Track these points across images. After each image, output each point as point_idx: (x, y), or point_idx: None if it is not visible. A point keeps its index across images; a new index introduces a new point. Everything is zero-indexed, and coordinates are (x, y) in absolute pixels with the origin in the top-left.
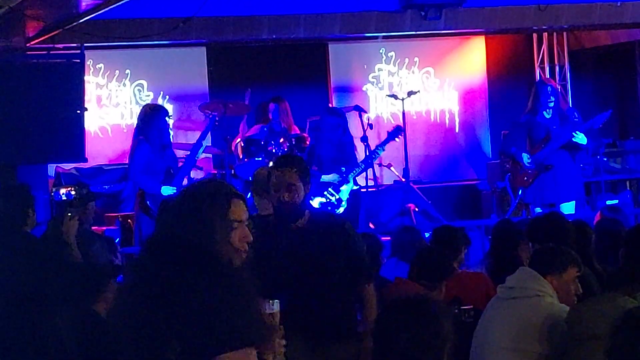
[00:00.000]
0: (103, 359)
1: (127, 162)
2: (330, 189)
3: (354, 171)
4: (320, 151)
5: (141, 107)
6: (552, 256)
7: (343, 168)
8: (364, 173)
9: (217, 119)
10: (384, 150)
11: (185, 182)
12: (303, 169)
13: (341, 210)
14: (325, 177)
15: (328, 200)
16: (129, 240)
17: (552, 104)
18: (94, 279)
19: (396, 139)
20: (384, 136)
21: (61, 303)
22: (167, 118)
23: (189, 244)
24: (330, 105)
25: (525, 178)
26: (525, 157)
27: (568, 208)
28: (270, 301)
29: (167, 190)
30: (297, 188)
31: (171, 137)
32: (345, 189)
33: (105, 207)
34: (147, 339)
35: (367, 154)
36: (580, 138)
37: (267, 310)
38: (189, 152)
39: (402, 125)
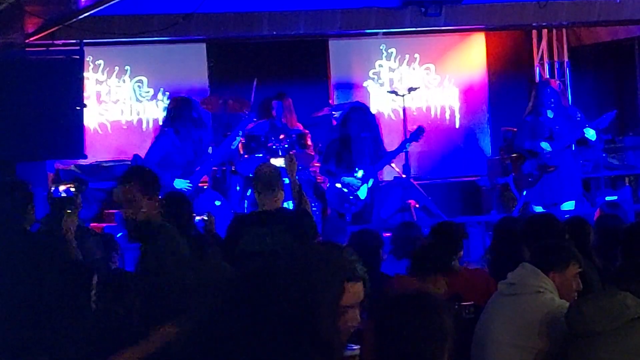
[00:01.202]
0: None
1: (126, 158)
2: (349, 188)
3: (376, 169)
4: (348, 149)
5: (170, 99)
6: (554, 253)
7: (361, 166)
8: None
9: (254, 118)
10: (406, 149)
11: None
12: (145, 182)
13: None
14: (346, 180)
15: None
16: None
17: (552, 105)
18: (119, 285)
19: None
20: (384, 132)
21: (69, 301)
22: (195, 112)
23: (288, 321)
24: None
25: (530, 179)
26: (546, 145)
27: (568, 206)
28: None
29: (180, 184)
30: (138, 203)
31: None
32: (364, 188)
33: (105, 204)
34: None
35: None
36: (592, 134)
37: (346, 354)
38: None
39: (423, 125)
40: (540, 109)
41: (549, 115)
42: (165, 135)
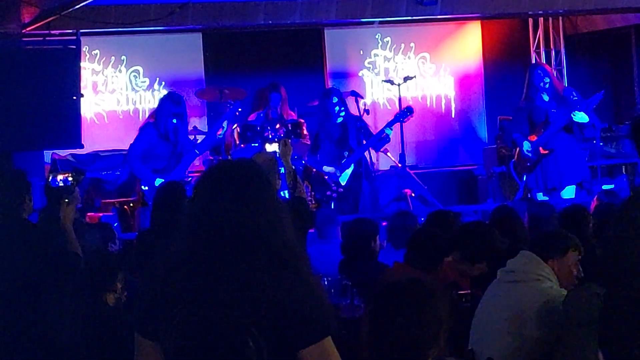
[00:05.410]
0: (112, 348)
1: (123, 148)
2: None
3: (356, 155)
4: (326, 135)
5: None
6: (551, 240)
7: (346, 153)
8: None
9: (239, 108)
10: (392, 130)
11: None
12: None
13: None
14: (326, 168)
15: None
16: (128, 227)
17: (547, 86)
18: (102, 270)
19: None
20: (380, 122)
21: (63, 290)
22: (179, 105)
23: (258, 234)
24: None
25: (528, 164)
26: (527, 145)
27: (568, 193)
28: None
29: (160, 182)
30: None
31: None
32: (345, 174)
33: (102, 194)
34: (224, 340)
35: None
36: (581, 117)
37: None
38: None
39: (411, 106)
40: (533, 94)
41: (544, 98)
42: (147, 127)
